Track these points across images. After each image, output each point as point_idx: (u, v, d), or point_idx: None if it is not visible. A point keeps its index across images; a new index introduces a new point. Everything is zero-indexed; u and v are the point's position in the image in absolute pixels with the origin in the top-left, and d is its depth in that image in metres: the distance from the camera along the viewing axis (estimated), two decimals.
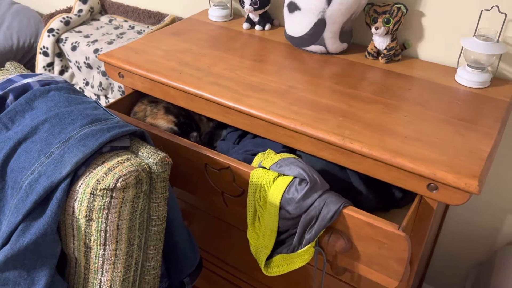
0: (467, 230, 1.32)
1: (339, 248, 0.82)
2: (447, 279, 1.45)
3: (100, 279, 0.75)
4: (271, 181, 0.85)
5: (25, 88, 0.86)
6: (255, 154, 0.97)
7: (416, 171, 0.79)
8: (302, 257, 0.85)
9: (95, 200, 0.70)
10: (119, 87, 1.50)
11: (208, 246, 1.26)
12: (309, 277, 1.08)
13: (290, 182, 0.83)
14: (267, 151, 0.92)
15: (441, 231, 1.36)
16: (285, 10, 1.17)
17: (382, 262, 0.80)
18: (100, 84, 1.53)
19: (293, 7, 1.13)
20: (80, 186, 0.71)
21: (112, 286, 0.75)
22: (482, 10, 1.01)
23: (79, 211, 0.71)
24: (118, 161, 0.72)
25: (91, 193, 0.70)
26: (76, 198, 0.71)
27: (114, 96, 1.53)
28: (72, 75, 1.66)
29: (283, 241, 0.89)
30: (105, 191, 0.69)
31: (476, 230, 1.31)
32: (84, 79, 1.60)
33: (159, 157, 0.75)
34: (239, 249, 1.18)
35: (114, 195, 0.70)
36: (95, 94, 1.61)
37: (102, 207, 0.70)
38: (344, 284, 1.03)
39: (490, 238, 1.30)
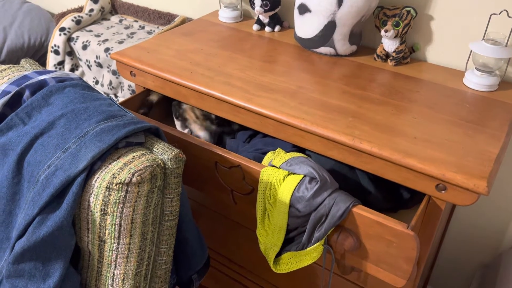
0: (473, 232, 1.33)
1: (348, 247, 0.83)
2: (452, 282, 1.46)
3: (113, 272, 0.76)
4: (281, 179, 0.87)
5: (41, 84, 0.88)
6: (265, 153, 0.98)
7: (425, 172, 0.80)
8: (311, 254, 0.86)
9: (110, 194, 0.71)
10: (129, 86, 1.51)
11: (215, 244, 1.27)
12: (316, 276, 1.09)
13: (300, 180, 0.85)
14: (277, 150, 0.94)
15: (446, 233, 1.37)
16: (296, 12, 1.19)
17: (391, 261, 0.81)
18: (110, 82, 1.55)
19: (304, 9, 1.14)
20: (96, 180, 0.72)
21: (125, 279, 0.77)
22: (491, 15, 1.03)
23: (94, 205, 0.73)
24: (134, 156, 0.74)
25: (106, 187, 0.71)
26: (92, 192, 0.72)
27: (124, 95, 1.55)
28: (82, 74, 1.68)
29: (292, 239, 0.90)
30: (120, 186, 0.71)
31: (481, 233, 1.32)
32: (94, 78, 1.62)
33: (173, 153, 0.76)
34: (246, 248, 1.19)
35: (129, 189, 0.71)
36: (104, 93, 1.62)
37: (117, 201, 0.71)
38: (351, 284, 1.04)
39: (495, 240, 1.30)
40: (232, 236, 1.21)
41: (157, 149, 0.78)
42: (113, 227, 0.73)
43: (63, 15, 1.69)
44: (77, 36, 1.61)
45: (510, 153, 1.18)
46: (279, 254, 0.91)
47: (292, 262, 0.89)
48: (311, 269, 1.07)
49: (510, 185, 1.21)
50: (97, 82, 1.62)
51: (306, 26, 1.16)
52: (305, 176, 0.85)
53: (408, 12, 1.09)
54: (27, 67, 0.99)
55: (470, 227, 1.33)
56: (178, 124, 1.18)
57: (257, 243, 0.95)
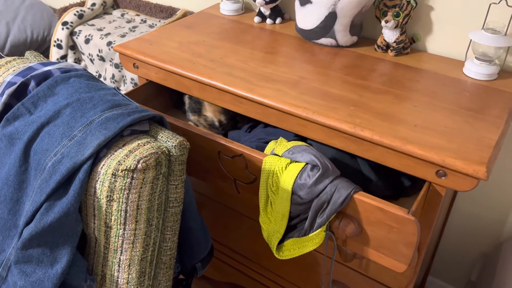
0: (473, 222, 1.34)
1: (349, 233, 0.85)
2: (452, 272, 1.47)
3: (119, 258, 0.78)
4: (283, 167, 0.88)
5: (46, 75, 0.89)
6: (267, 142, 0.99)
7: (426, 158, 0.81)
8: (313, 240, 0.87)
9: (116, 181, 0.73)
10: (132, 79, 1.52)
11: (217, 234, 1.29)
12: (318, 264, 1.10)
13: (302, 168, 0.86)
14: (279, 139, 0.95)
15: (447, 223, 1.38)
16: (297, 3, 1.19)
17: (391, 246, 0.83)
18: (113, 76, 1.56)
19: (305, 1, 1.15)
20: (102, 167, 0.74)
21: (131, 265, 0.78)
22: (490, 4, 1.03)
23: (100, 191, 0.74)
24: (139, 144, 0.75)
25: (112, 174, 0.73)
26: (98, 178, 0.74)
27: (126, 88, 1.56)
28: (85, 68, 1.69)
29: (295, 226, 0.91)
30: (126, 172, 0.72)
31: (482, 222, 1.33)
32: (96, 72, 1.63)
33: (177, 140, 0.78)
34: (248, 238, 1.21)
35: (135, 176, 0.72)
36: None
37: (123, 187, 0.73)
38: (352, 271, 1.05)
39: (496, 230, 1.32)
40: (235, 226, 1.22)
41: (162, 137, 0.79)
42: (119, 213, 0.74)
43: (65, 9, 1.70)
44: (80, 30, 1.62)
45: (509, 143, 1.19)
46: (282, 241, 0.92)
47: (295, 248, 0.90)
48: (313, 256, 1.09)
49: (510, 175, 1.22)
50: (99, 76, 1.63)
51: (307, 18, 1.17)
52: (307, 163, 0.86)
53: (408, 2, 1.10)
54: (31, 59, 1.00)
55: (470, 217, 1.34)
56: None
57: (260, 233, 0.97)
